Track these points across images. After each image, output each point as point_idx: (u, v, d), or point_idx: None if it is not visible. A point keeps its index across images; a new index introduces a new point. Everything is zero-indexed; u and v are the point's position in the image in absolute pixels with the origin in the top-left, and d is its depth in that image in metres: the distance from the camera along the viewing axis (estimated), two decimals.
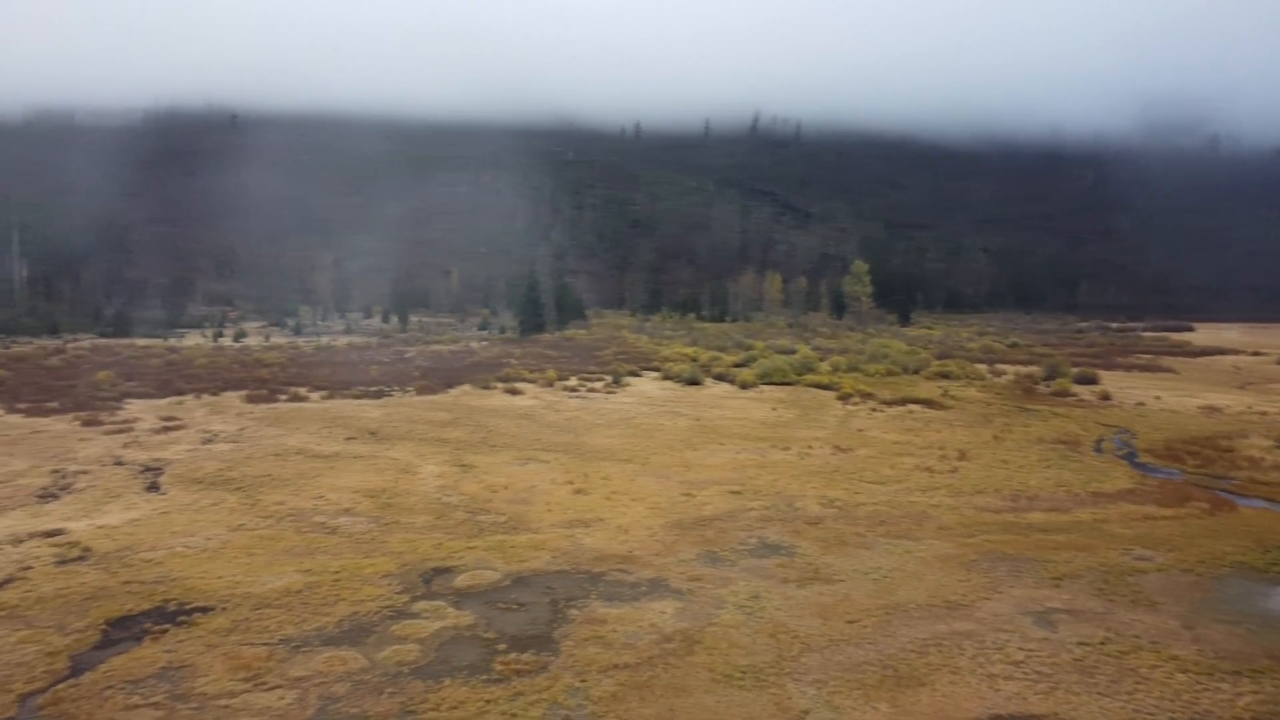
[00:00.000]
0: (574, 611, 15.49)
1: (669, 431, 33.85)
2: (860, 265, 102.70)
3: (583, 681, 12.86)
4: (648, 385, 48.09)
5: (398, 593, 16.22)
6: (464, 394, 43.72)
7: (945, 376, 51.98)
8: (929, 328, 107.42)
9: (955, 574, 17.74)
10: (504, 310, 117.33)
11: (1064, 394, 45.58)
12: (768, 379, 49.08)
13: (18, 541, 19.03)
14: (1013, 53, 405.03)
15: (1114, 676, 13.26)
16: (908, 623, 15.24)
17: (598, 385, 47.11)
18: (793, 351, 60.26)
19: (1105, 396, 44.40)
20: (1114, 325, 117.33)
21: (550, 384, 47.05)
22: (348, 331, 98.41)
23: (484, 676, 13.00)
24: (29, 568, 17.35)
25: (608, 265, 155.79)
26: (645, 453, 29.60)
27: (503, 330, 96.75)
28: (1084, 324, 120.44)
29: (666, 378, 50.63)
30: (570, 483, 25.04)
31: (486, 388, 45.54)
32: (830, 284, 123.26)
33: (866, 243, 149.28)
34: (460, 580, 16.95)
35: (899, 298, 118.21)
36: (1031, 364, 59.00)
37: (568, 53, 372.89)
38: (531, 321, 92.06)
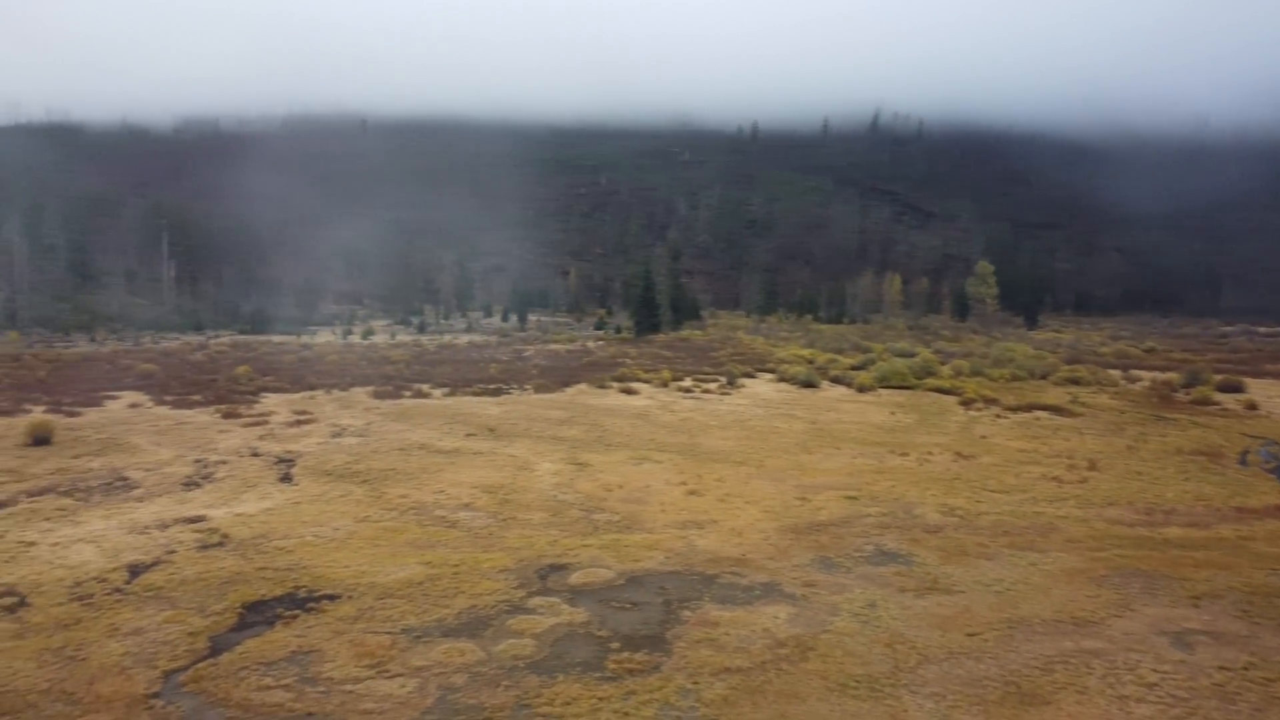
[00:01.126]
0: (687, 613, 15.51)
1: (784, 434, 33.55)
2: (985, 266, 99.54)
3: (694, 683, 12.87)
4: (763, 387, 47.77)
5: (514, 588, 16.55)
6: (580, 393, 44.31)
7: (1075, 382, 49.89)
8: (1058, 331, 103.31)
9: (1084, 589, 17.02)
10: (620, 310, 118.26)
11: (1205, 402, 43.12)
12: (886, 382, 48.09)
13: (164, 526, 20.24)
14: (1152, 40, 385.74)
15: (1258, 705, 12.48)
16: (1032, 638, 14.69)
17: (712, 386, 47.05)
18: (913, 354, 58.88)
19: (1251, 406, 41.83)
20: (1262, 330, 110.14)
21: (665, 384, 47.24)
22: (469, 330, 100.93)
23: (597, 674, 13.15)
24: (173, 551, 18.41)
25: (723, 266, 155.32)
26: (760, 455, 29.41)
27: (619, 330, 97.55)
28: (1228, 328, 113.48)
29: (782, 380, 50.18)
30: (684, 484, 25.09)
31: (602, 387, 46.04)
32: (953, 285, 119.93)
33: (992, 243, 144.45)
34: (575, 578, 17.18)
35: (1026, 300, 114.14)
36: (1169, 370, 56.00)
37: (686, 54, 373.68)
38: (647, 321, 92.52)
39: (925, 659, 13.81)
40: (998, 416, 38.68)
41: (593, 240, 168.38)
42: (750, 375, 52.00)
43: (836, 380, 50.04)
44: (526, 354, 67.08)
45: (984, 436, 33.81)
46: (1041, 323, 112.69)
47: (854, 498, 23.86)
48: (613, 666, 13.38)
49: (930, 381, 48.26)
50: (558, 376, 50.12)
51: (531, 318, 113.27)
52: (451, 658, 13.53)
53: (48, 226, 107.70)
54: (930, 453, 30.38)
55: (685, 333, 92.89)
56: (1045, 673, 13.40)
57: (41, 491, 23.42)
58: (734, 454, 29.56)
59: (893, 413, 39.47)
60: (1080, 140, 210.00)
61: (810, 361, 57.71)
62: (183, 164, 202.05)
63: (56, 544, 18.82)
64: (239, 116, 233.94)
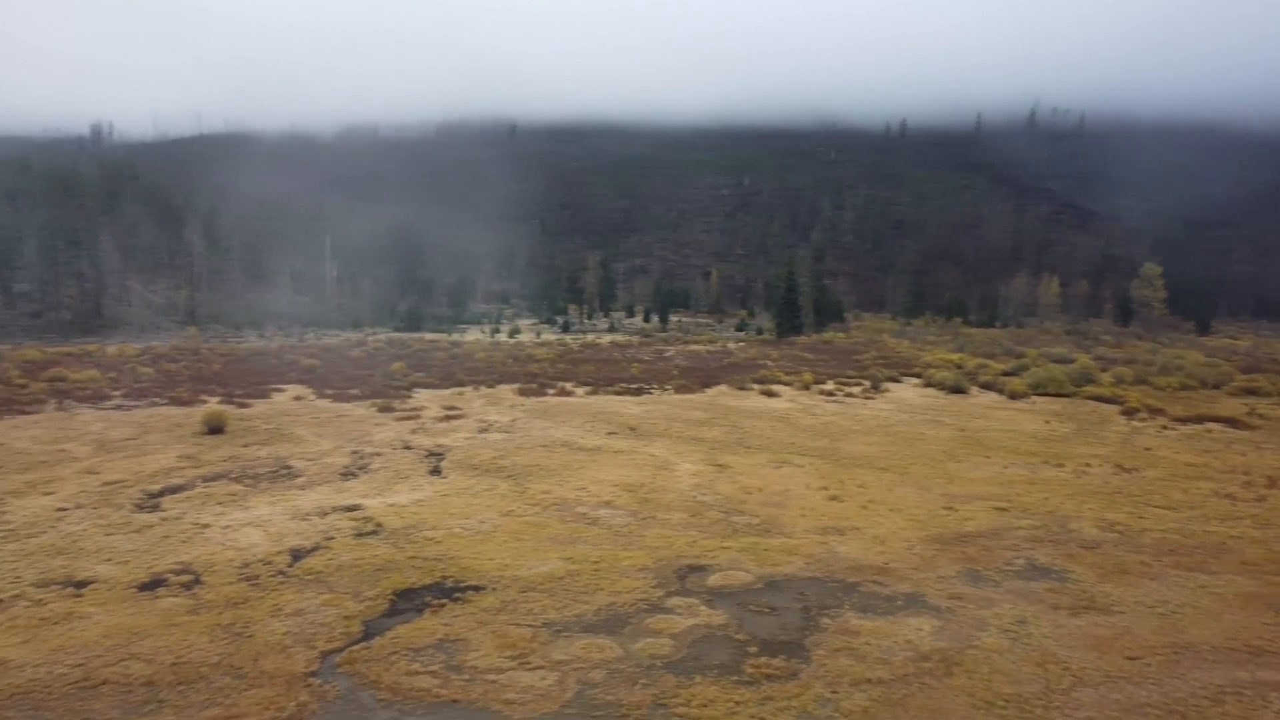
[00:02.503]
0: (826, 620, 15.25)
1: (930, 441, 32.55)
2: (1151, 268, 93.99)
3: (833, 692, 12.63)
4: (908, 392, 46.49)
5: (653, 587, 16.65)
6: (720, 394, 44.21)
7: (1252, 393, 46.46)
8: (1233, 337, 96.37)
9: (1260, 615, 15.82)
10: (761, 311, 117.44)
11: None
12: (1041, 389, 45.97)
13: (324, 514, 21.33)
14: None
15: None
16: (1200, 665, 13.75)
17: (855, 390, 46.12)
18: (1070, 360, 56.10)
19: None
20: None
21: (806, 387, 46.60)
22: (611, 330, 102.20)
23: (734, 677, 13.08)
24: (332, 538, 19.37)
25: (868, 267, 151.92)
26: (904, 462, 28.63)
27: (760, 331, 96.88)
28: None
29: (928, 385, 48.69)
30: (825, 488, 24.68)
31: (743, 388, 45.81)
32: (1115, 288, 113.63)
33: (1159, 243, 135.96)
34: (713, 579, 17.15)
35: (1197, 304, 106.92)
36: None
37: (831, 52, 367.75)
38: (789, 323, 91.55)
39: (1080, 681, 13.12)
40: (1164, 428, 36.41)
41: (735, 241, 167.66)
42: (895, 379, 50.70)
43: (987, 386, 48.19)
44: (668, 354, 67.42)
45: (1148, 449, 31.88)
46: (1215, 328, 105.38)
47: (1004, 509, 22.92)
48: (750, 671, 13.28)
49: (1089, 389, 45.88)
50: (698, 377, 50.16)
51: (673, 318, 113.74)
52: (590, 653, 13.72)
53: (224, 230, 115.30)
54: (1088, 464, 28.88)
55: (828, 335, 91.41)
56: (1215, 703, 12.52)
57: (215, 477, 25.07)
58: (877, 460, 28.88)
59: (1047, 421, 37.72)
60: (1261, 132, 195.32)
61: (959, 366, 55.79)
62: (345, 169, 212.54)
63: (227, 527, 20.11)
64: (397, 124, 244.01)
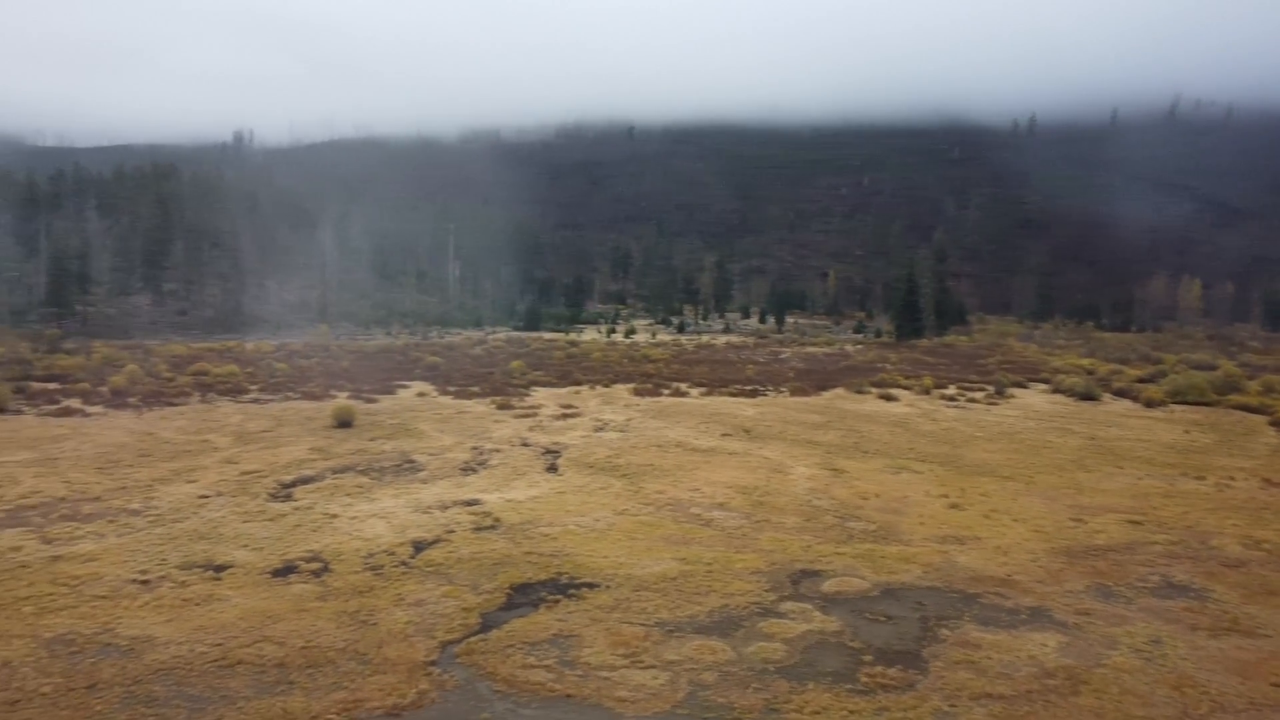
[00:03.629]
0: (945, 631, 14.84)
1: (1058, 449, 31.31)
2: None
3: (951, 706, 12.28)
4: (1035, 398, 44.83)
5: (766, 590, 16.53)
6: (837, 397, 43.57)
7: None
8: None
9: None
10: (880, 313, 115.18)
11: None
12: (1180, 397, 43.66)
13: (444, 507, 21.95)
14: None
15: None
16: None
17: (978, 395, 44.75)
18: (1213, 367, 53.14)
19: None
20: None
21: (927, 391, 45.47)
22: (727, 330, 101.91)
23: (848, 685, 12.86)
24: (452, 531, 19.91)
25: (993, 268, 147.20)
26: (1029, 471, 27.63)
27: (879, 334, 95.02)
28: None
29: (1057, 391, 46.85)
30: (945, 496, 24.03)
31: (860, 392, 45.03)
32: (1264, 290, 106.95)
33: None
34: (828, 585, 16.92)
35: None
36: None
37: (956, 46, 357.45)
38: (909, 326, 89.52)
39: (1220, 707, 12.41)
40: None
41: (853, 242, 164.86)
42: (1021, 385, 48.96)
43: (1120, 393, 46.08)
44: (783, 356, 66.83)
45: None
46: None
47: (1138, 522, 21.86)
48: (865, 680, 13.04)
49: (1234, 398, 43.33)
50: (814, 380, 49.55)
51: (789, 320, 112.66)
52: (703, 655, 13.72)
53: (354, 231, 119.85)
54: (1232, 477, 27.28)
55: (949, 338, 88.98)
56: None
57: (343, 469, 26.10)
58: (1001, 468, 27.96)
59: (1187, 431, 35.82)
60: None
61: (1090, 372, 53.50)
62: (467, 172, 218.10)
63: (354, 517, 20.90)
64: (517, 127, 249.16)
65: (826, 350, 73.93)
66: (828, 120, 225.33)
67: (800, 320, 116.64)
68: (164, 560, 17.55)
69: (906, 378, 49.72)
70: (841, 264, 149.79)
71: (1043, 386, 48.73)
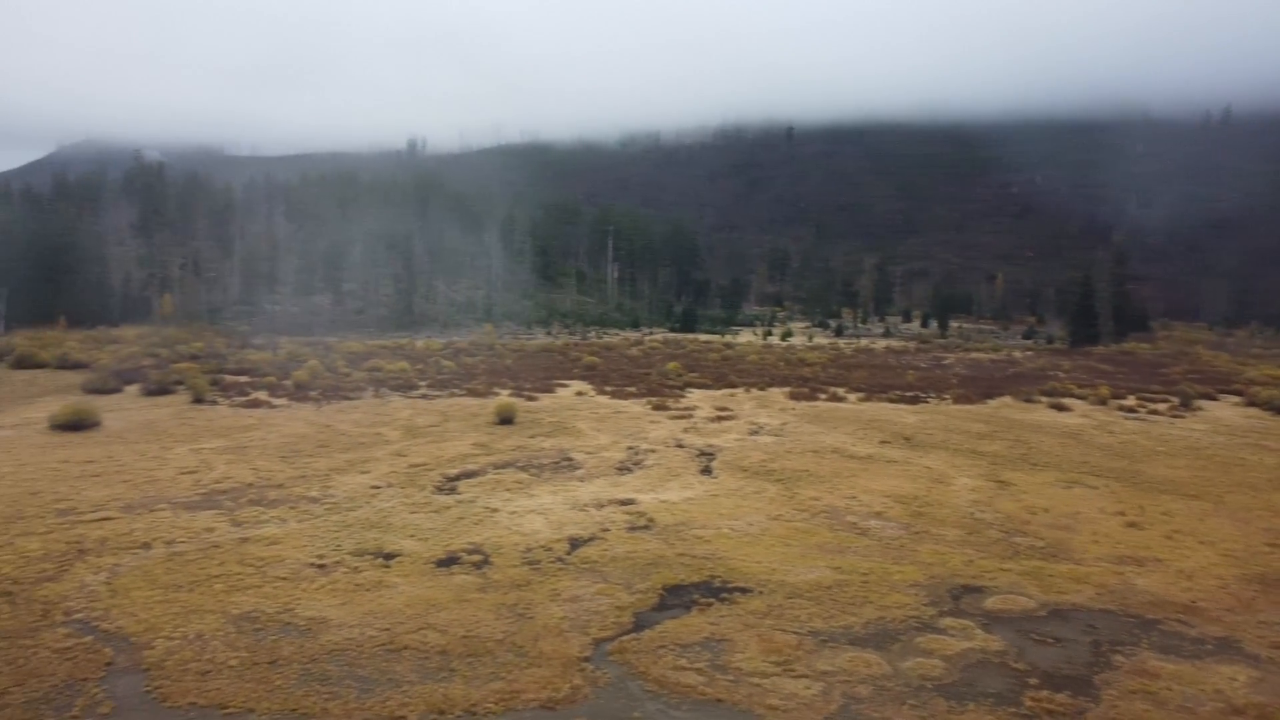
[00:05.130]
0: (1120, 658, 13.98)
1: (1252, 467, 28.97)
2: None
3: None
4: (1226, 411, 41.65)
5: (924, 604, 16.03)
6: (1003, 405, 41.78)
7: None
8: None
9: None
10: (1052, 319, 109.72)
11: None
12: None
13: (600, 506, 22.33)
14: None
15: None
16: None
17: (1161, 407, 41.94)
18: None
19: None
20: None
21: (1103, 401, 42.96)
22: (886, 335, 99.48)
23: (1011, 709, 12.30)
24: (607, 530, 20.23)
25: (1180, 271, 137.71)
26: (1219, 489, 25.68)
27: (1050, 340, 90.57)
28: None
29: (1251, 404, 43.35)
30: (1122, 514, 22.63)
31: (1029, 401, 43.01)
32: None
33: None
34: (990, 602, 16.24)
35: None
36: None
37: (1138, 34, 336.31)
38: (1083, 332, 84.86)
39: None
40: None
41: (1024, 243, 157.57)
42: (1210, 397, 45.56)
43: None
44: (946, 362, 64.64)
45: None
46: None
47: None
48: (1030, 704, 12.43)
49: None
50: (980, 387, 47.66)
51: (953, 324, 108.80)
52: (857, 667, 13.42)
53: (518, 234, 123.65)
54: None
55: (1129, 345, 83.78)
56: None
57: (504, 465, 26.94)
58: (1186, 485, 26.11)
59: None
60: None
61: None
62: (627, 175, 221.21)
63: (514, 512, 21.54)
64: (676, 129, 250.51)
65: (993, 356, 71.01)
66: (998, 115, 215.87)
67: (965, 325, 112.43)
68: (339, 546, 18.57)
69: (1080, 387, 47.14)
70: (1010, 266, 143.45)
71: (1235, 399, 45.19)
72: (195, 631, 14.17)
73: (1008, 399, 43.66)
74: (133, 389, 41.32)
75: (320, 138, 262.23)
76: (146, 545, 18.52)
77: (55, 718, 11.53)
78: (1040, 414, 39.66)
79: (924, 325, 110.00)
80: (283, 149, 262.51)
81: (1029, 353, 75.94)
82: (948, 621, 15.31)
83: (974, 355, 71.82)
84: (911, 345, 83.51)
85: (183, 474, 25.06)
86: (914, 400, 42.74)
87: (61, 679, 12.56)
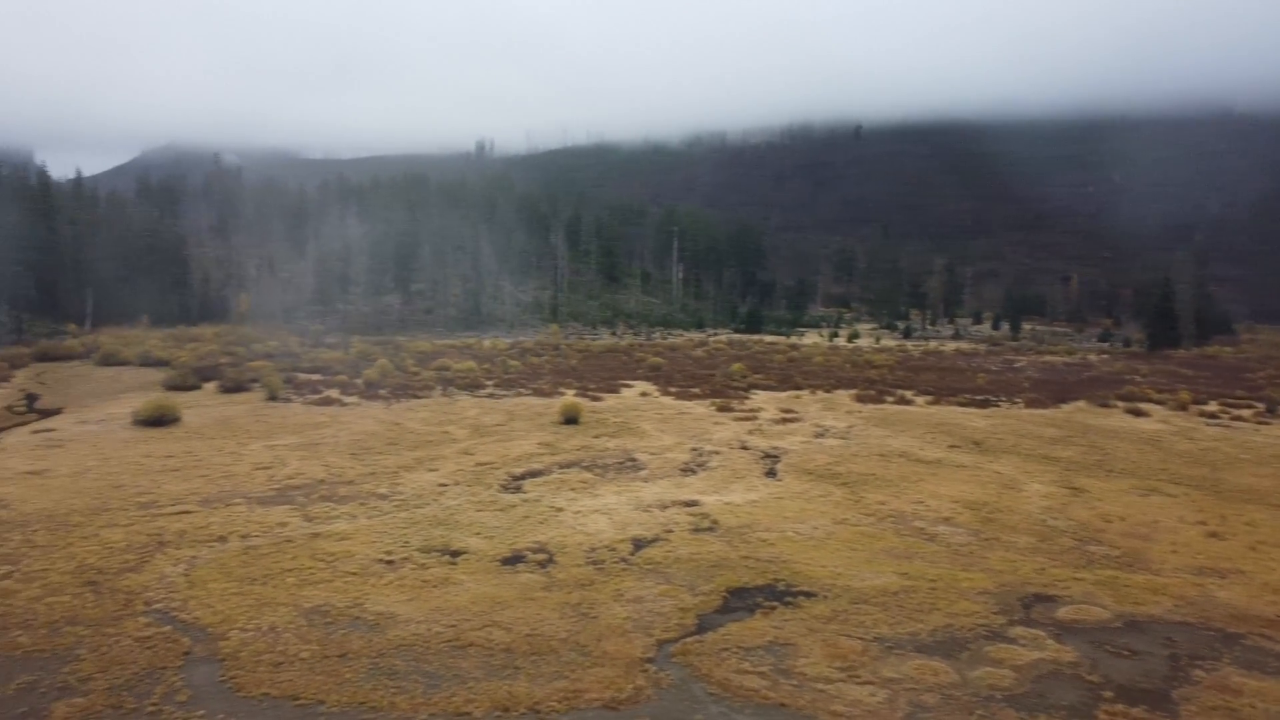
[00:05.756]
0: (1199, 673, 13.53)
1: None
2: None
3: None
4: None
5: (994, 612, 15.71)
6: (1078, 410, 40.75)
7: None
8: None
9: None
10: (1129, 321, 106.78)
11: None
12: None
13: (664, 507, 22.33)
14: None
15: None
16: None
17: (1245, 413, 40.50)
18: None
19: None
20: None
21: (1183, 407, 41.64)
22: (956, 337, 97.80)
23: None
24: (670, 531, 20.22)
25: (1266, 273, 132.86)
26: None
27: (1127, 343, 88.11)
28: None
29: None
30: (1203, 523, 21.90)
31: (1104, 405, 41.89)
32: None
33: None
34: (1063, 612, 15.85)
35: None
36: None
37: (1224, 25, 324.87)
38: (1163, 335, 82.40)
39: None
40: None
41: (1099, 243, 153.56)
42: None
43: None
44: (1018, 365, 63.29)
45: None
46: None
47: None
48: (1104, 718, 12.10)
49: None
50: (1052, 391, 46.57)
51: (1025, 326, 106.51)
52: (924, 675, 13.21)
53: (584, 234, 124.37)
54: None
55: (1211, 349, 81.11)
56: None
57: (569, 465, 27.11)
58: (1271, 495, 25.17)
59: None
60: None
61: None
62: (693, 175, 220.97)
63: (578, 512, 21.66)
64: (743, 129, 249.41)
65: (1067, 360, 69.32)
66: (1072, 112, 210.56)
67: (1038, 327, 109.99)
68: (406, 543, 18.88)
69: (1159, 391, 45.76)
70: (1085, 267, 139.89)
71: None
72: (268, 623, 14.53)
73: (1082, 404, 42.57)
74: (210, 386, 42.54)
75: (391, 141, 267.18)
76: (222, 538, 19.06)
77: (136, 704, 11.92)
78: (1117, 419, 38.61)
79: (995, 327, 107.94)
80: (355, 152, 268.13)
81: (1105, 356, 74.00)
82: (1018, 631, 14.98)
83: (1047, 358, 70.22)
84: (982, 348, 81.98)
85: (257, 469, 25.73)
86: (984, 404, 41.93)
87: (142, 666, 12.98)
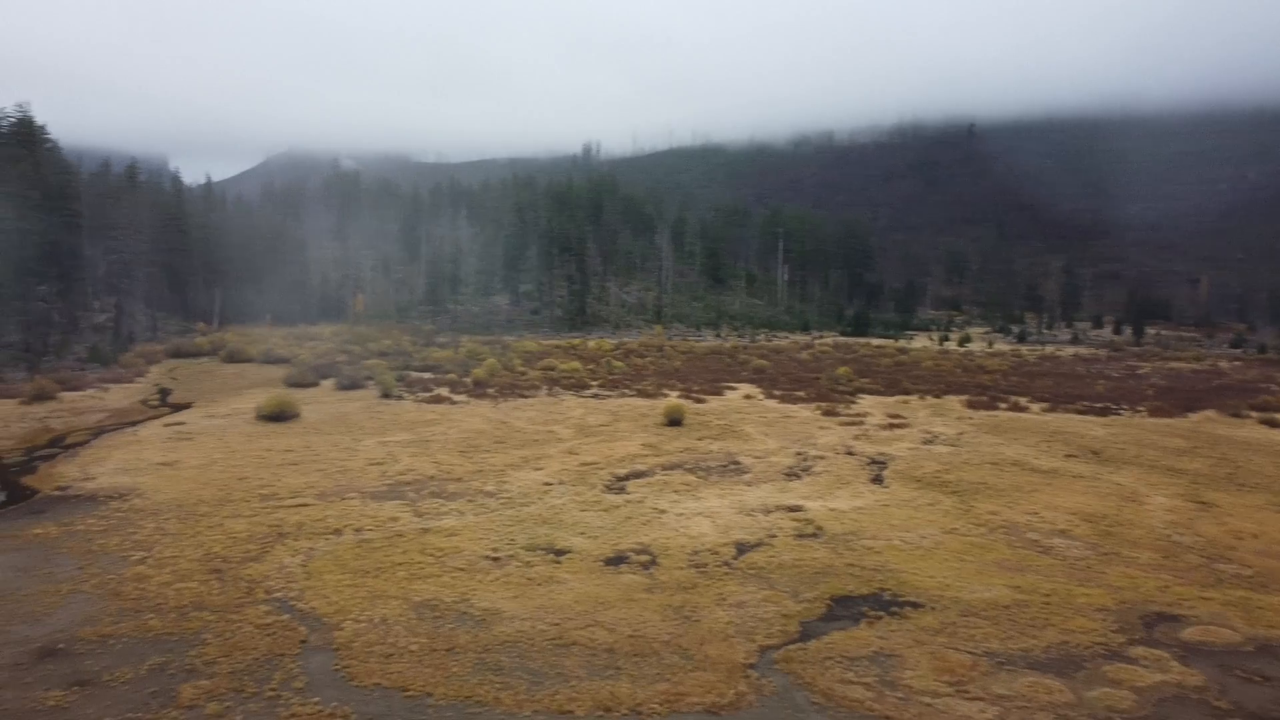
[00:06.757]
0: None
1: None
2: None
3: None
4: None
5: (1113, 631, 15.06)
6: (1207, 420, 38.77)
7: None
8: None
9: None
10: (1265, 326, 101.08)
11: None
12: None
13: (767, 511, 22.16)
14: None
15: None
16: None
17: None
18: None
19: None
20: None
21: None
22: (1074, 341, 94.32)
23: None
24: (774, 536, 20.04)
25: None
26: None
27: (1262, 349, 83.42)
28: None
29: None
30: None
31: (1236, 415, 39.74)
32: None
33: None
34: (1189, 633, 15.09)
35: None
36: None
37: None
38: None
39: None
40: None
41: (1232, 244, 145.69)
42: None
43: None
44: (1141, 371, 60.61)
45: None
46: None
47: None
48: None
49: None
50: (1179, 399, 44.41)
51: (1149, 331, 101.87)
52: (1037, 693, 12.75)
53: (689, 235, 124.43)
54: None
55: None
56: None
57: (672, 467, 27.16)
58: None
59: None
60: None
61: None
62: (799, 175, 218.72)
63: (681, 514, 21.67)
64: (850, 129, 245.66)
65: (1195, 366, 66.03)
66: (1204, 107, 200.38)
67: (1163, 332, 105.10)
68: (512, 540, 19.22)
69: None
70: (1216, 269, 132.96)
71: None
72: (380, 616, 14.98)
73: (1211, 413, 40.49)
74: (328, 383, 44.17)
75: (501, 144, 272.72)
76: (338, 531, 19.75)
77: (257, 689, 12.43)
78: (1250, 430, 36.58)
79: (1116, 332, 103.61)
80: (466, 156, 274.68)
81: (1237, 363, 70.23)
82: (1139, 651, 14.33)
83: (1173, 365, 67.03)
84: (1102, 353, 78.80)
85: (371, 465, 26.58)
86: (1104, 412, 40.28)
87: (262, 653, 13.54)
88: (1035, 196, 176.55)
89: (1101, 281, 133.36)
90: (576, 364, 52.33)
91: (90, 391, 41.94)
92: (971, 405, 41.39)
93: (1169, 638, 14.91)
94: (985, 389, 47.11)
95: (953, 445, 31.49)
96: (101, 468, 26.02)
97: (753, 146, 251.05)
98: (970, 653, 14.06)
